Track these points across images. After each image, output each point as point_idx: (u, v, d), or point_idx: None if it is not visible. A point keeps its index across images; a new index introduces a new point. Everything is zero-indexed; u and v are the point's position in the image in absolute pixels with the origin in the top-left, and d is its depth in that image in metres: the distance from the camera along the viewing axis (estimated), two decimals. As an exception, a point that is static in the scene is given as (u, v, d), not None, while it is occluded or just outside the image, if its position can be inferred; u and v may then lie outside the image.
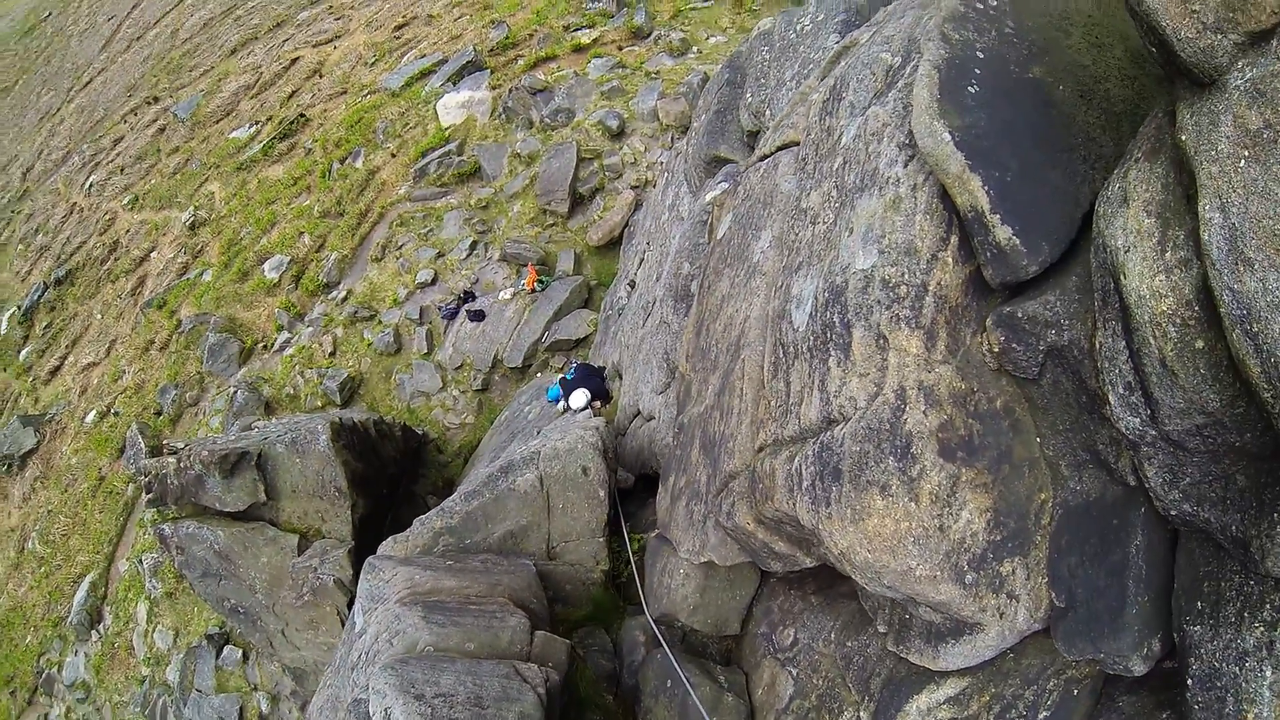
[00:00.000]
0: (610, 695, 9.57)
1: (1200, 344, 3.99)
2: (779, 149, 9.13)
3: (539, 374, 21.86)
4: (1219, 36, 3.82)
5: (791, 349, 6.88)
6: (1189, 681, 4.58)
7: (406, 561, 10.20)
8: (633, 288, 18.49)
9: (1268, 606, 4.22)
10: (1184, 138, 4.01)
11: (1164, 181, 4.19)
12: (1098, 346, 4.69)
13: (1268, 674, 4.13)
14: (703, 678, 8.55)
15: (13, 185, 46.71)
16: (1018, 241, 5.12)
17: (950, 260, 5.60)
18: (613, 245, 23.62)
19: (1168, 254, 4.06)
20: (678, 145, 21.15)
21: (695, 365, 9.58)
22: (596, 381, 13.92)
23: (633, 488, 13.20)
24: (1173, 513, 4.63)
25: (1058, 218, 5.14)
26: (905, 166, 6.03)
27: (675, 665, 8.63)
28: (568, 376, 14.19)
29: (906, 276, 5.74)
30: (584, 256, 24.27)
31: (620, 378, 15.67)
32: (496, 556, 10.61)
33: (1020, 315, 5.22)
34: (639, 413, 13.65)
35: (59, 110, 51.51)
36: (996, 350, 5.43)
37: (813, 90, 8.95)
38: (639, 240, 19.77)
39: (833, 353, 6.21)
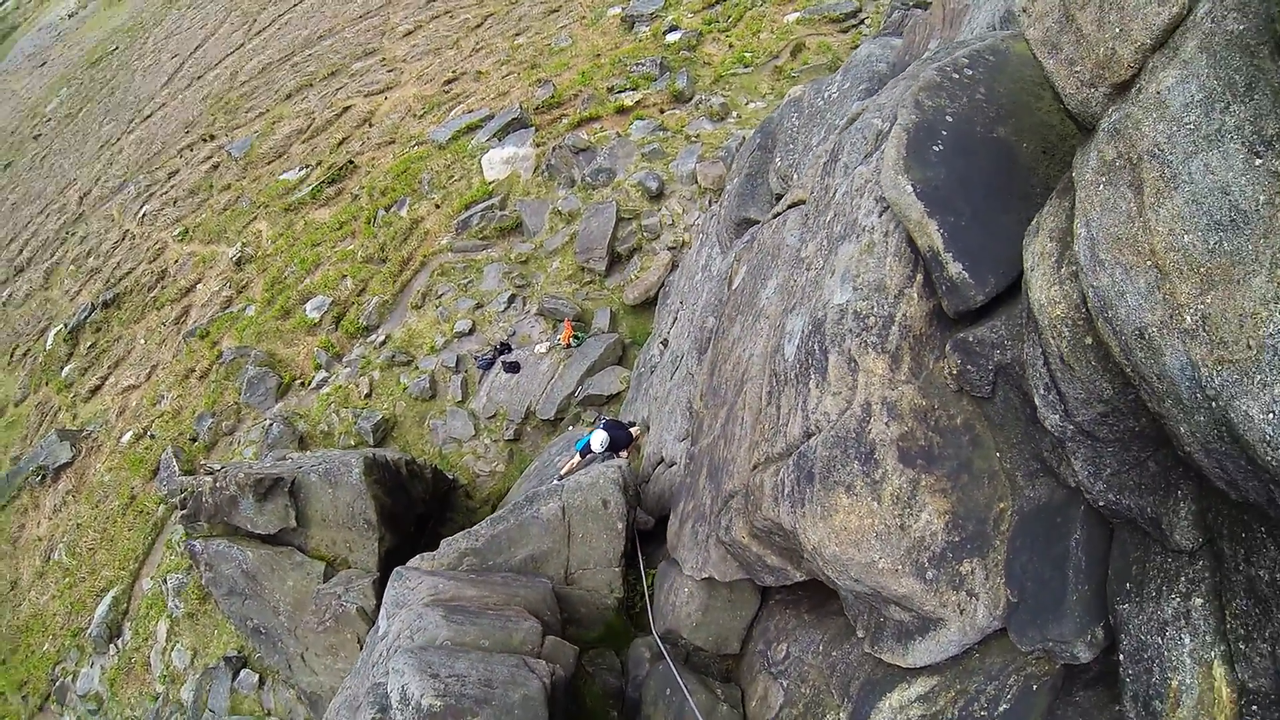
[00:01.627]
0: (615, 711, 10.04)
1: (1089, 340, 4.67)
2: (789, 207, 9.89)
3: (570, 427, 22.04)
4: (1093, 90, 4.61)
5: (782, 377, 7.66)
6: (1120, 657, 5.06)
7: (432, 573, 10.79)
8: (665, 346, 18.75)
9: (1182, 578, 4.74)
10: (1074, 174, 4.77)
11: (1067, 213, 4.93)
12: (1025, 356, 5.39)
13: (1186, 641, 4.60)
14: (699, 687, 9.03)
15: (69, 208, 47.70)
16: (967, 276, 5.88)
17: (915, 295, 6.40)
18: (648, 305, 23.77)
19: (1062, 269, 4.79)
20: (712, 208, 21.41)
21: (708, 403, 10.23)
22: (618, 432, 14.54)
23: (653, 530, 13.51)
24: (1101, 504, 5.21)
25: (1004, 255, 5.85)
26: (880, 216, 6.85)
27: (675, 674, 9.15)
28: (595, 430, 14.82)
29: (875, 309, 6.55)
30: (619, 315, 24.43)
31: (648, 430, 16.27)
32: (516, 574, 11.15)
33: (971, 339, 5.96)
34: (662, 459, 14.13)
35: (118, 140, 52.71)
36: (955, 372, 6.16)
37: (824, 155, 9.75)
38: (673, 300, 20.14)
39: (812, 376, 7.01)
